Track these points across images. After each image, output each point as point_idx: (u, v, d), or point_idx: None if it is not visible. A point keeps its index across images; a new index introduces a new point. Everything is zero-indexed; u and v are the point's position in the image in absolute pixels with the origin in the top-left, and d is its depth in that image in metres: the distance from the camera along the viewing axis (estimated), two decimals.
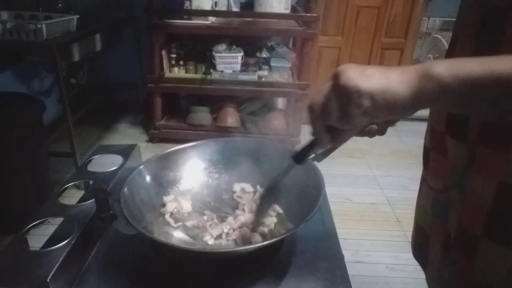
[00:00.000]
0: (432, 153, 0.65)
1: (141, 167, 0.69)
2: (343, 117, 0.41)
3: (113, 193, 0.64)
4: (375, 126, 0.75)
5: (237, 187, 0.76)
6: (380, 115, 0.40)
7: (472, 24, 0.53)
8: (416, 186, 0.74)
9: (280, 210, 0.70)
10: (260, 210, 0.68)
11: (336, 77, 0.41)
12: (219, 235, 0.66)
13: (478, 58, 0.38)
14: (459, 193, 0.56)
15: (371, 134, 0.76)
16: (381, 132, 0.76)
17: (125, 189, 0.62)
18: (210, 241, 0.64)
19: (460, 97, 0.38)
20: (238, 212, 0.71)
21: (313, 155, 0.56)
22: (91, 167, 0.83)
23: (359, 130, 0.46)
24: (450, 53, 0.60)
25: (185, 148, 0.76)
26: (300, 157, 0.55)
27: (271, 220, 0.68)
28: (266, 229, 0.66)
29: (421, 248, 0.71)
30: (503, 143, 0.48)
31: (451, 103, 0.39)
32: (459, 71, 0.37)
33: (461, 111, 0.45)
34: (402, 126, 3.15)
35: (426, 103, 0.40)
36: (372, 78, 0.39)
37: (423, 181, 0.70)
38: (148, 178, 0.70)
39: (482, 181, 0.51)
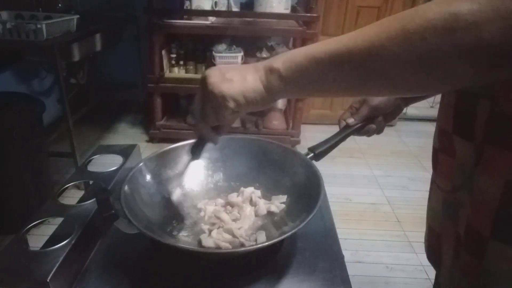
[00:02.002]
0: (441, 154, 0.64)
1: (141, 164, 0.69)
2: (217, 117, 0.50)
3: (113, 193, 0.63)
4: (373, 126, 0.75)
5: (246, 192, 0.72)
6: (246, 110, 0.49)
7: None
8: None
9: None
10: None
11: (203, 83, 0.49)
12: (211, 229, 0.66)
13: (305, 47, 0.44)
14: (468, 193, 0.55)
15: (369, 133, 0.76)
16: (379, 131, 0.77)
17: (126, 187, 0.61)
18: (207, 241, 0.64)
19: (300, 83, 0.44)
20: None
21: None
22: (91, 167, 0.83)
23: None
24: None
25: (184, 146, 0.76)
26: (196, 153, 0.63)
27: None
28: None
29: (434, 250, 0.70)
30: (510, 141, 0.47)
31: (298, 90, 0.45)
32: (291, 63, 0.43)
33: (316, 95, 0.50)
34: (402, 126, 3.16)
35: (280, 93, 0.46)
36: (232, 83, 0.47)
37: (433, 182, 0.69)
38: (148, 176, 0.70)
39: (489, 181, 0.51)
